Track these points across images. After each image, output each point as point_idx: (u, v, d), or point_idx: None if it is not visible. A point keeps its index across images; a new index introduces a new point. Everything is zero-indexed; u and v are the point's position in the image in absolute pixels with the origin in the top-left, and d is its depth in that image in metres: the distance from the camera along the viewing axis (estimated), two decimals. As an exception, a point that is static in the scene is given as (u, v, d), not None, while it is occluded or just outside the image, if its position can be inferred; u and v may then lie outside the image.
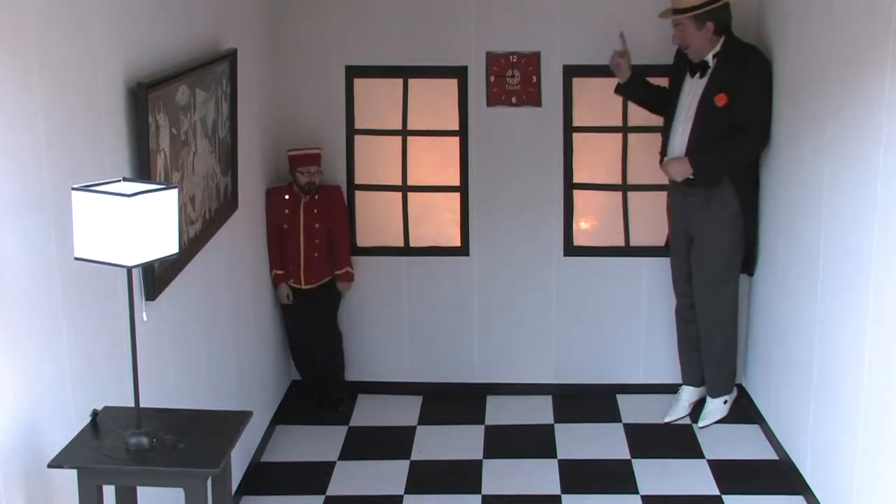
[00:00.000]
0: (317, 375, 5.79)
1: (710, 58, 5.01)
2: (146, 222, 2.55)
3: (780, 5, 4.99)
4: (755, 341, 5.51)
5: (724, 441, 5.28)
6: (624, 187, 5.58)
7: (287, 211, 5.45)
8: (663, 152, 5.26)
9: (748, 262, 5.34)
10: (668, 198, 5.42)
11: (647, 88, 5.29)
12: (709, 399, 5.46)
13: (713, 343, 5.34)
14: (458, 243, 5.76)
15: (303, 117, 5.62)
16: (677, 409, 5.49)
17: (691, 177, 5.06)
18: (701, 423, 5.38)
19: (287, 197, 5.46)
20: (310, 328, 5.67)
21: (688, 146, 5.07)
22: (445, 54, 5.53)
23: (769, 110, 5.02)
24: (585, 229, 5.71)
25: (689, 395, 5.52)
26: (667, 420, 5.45)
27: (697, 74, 5.05)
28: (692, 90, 5.08)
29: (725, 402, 5.44)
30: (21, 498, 2.65)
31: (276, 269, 5.54)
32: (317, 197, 5.48)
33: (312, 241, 5.51)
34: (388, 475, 5.03)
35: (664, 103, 5.26)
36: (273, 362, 5.55)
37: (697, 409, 5.52)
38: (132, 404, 2.76)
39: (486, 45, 5.52)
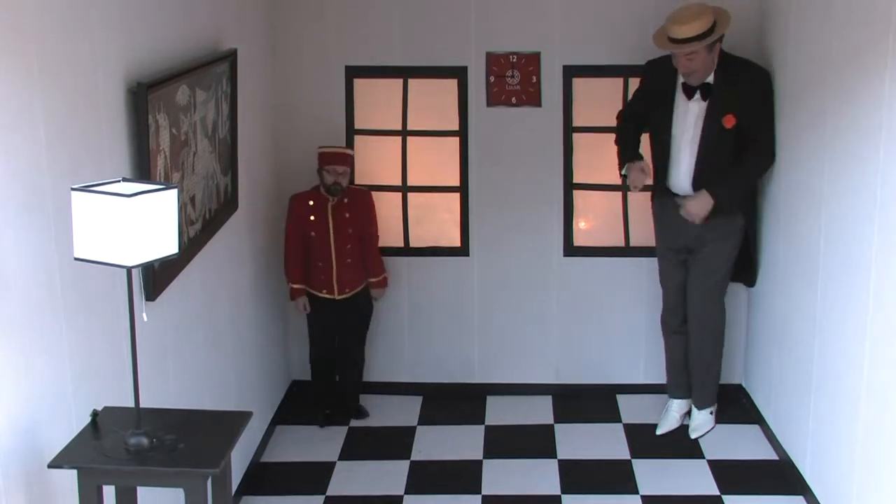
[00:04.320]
0: (333, 386, 5.61)
1: (711, 77, 4.89)
2: (146, 222, 2.55)
3: (780, 5, 4.99)
4: (755, 341, 5.51)
5: (724, 441, 5.28)
6: (624, 187, 5.57)
7: (313, 217, 5.26)
8: (660, 179, 5.14)
9: (748, 273, 5.30)
10: (657, 209, 5.29)
11: (636, 140, 5.24)
12: (696, 411, 5.37)
13: (705, 353, 5.27)
14: (458, 243, 5.76)
15: (303, 117, 5.62)
16: (669, 422, 5.41)
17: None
18: (694, 435, 5.30)
19: (312, 203, 5.27)
20: (340, 340, 5.50)
21: (695, 172, 4.96)
22: (445, 54, 5.53)
23: (774, 122, 4.99)
24: (585, 229, 5.71)
25: (678, 407, 5.44)
26: (659, 433, 5.36)
27: (697, 96, 4.91)
28: (691, 113, 4.95)
29: (711, 412, 5.38)
30: (21, 498, 2.65)
31: (293, 283, 5.32)
32: (346, 200, 5.28)
33: (344, 248, 5.30)
34: (388, 475, 5.03)
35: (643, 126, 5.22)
36: (273, 362, 5.55)
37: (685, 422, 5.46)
38: (132, 404, 2.76)
39: (486, 45, 5.52)
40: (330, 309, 5.39)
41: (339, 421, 5.56)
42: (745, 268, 5.28)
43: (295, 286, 5.34)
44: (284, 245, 5.35)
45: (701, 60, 4.81)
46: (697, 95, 4.91)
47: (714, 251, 5.11)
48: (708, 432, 5.30)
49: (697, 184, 4.97)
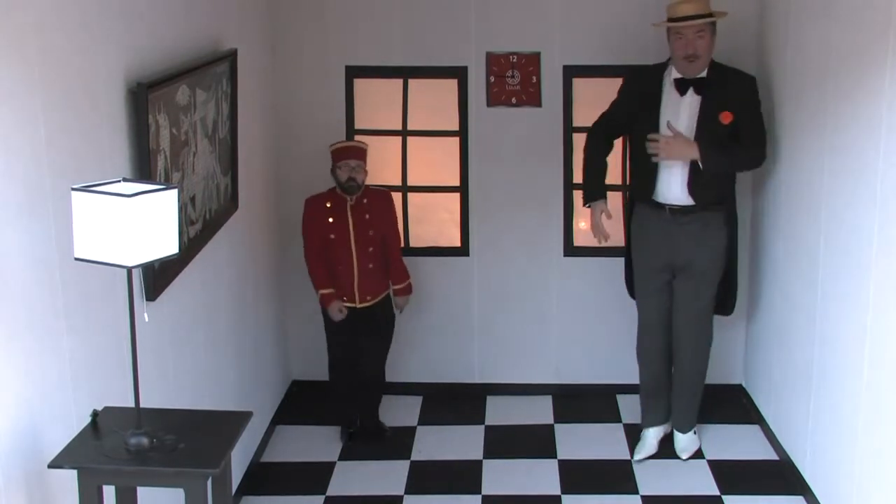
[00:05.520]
0: (353, 394, 5.36)
1: (704, 72, 4.79)
2: (146, 222, 2.55)
3: (780, 6, 4.99)
4: (755, 341, 5.51)
5: (724, 441, 5.27)
6: (624, 187, 5.56)
7: (331, 220, 5.04)
8: (644, 191, 4.90)
9: (726, 301, 5.10)
10: (637, 225, 5.03)
11: (603, 163, 5.06)
12: (681, 435, 5.14)
13: (696, 377, 5.07)
14: (458, 243, 5.76)
15: (303, 117, 5.62)
16: (647, 448, 5.13)
17: (696, 163, 4.71)
18: (684, 456, 5.09)
19: (329, 204, 5.06)
20: (362, 352, 5.26)
21: (691, 174, 4.75)
22: (445, 54, 5.54)
23: (763, 126, 4.89)
24: (585, 229, 5.70)
25: (655, 433, 5.17)
26: (636, 459, 5.08)
27: (691, 91, 4.77)
28: (684, 111, 4.79)
29: (695, 432, 5.19)
30: (21, 498, 2.66)
31: (322, 289, 5.05)
32: (365, 201, 5.08)
33: (366, 251, 5.06)
34: (388, 475, 5.03)
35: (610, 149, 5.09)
36: (273, 362, 5.55)
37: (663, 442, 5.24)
38: (132, 404, 2.76)
39: (486, 45, 5.52)
40: (350, 317, 5.12)
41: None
42: (723, 294, 5.06)
43: (325, 291, 5.07)
44: (305, 251, 5.12)
45: (707, 43, 4.73)
46: (691, 91, 4.79)
47: (703, 267, 4.90)
48: (697, 450, 5.13)
49: (694, 189, 4.79)
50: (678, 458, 5.10)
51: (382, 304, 5.23)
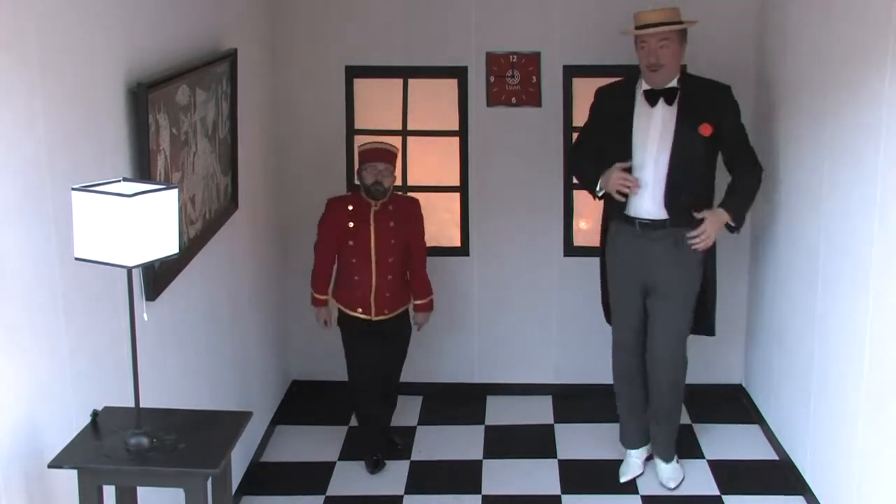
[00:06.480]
0: (380, 418, 5.12)
1: (675, 83, 4.62)
2: (146, 222, 2.55)
3: (780, 5, 4.99)
4: (755, 341, 5.51)
5: (724, 441, 5.28)
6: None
7: (352, 224, 4.80)
8: (617, 206, 4.70)
9: (706, 321, 4.90)
10: (611, 241, 4.84)
11: (600, 165, 4.75)
12: (664, 464, 4.95)
13: (675, 402, 4.89)
14: (458, 243, 5.76)
15: (303, 117, 5.63)
16: (632, 469, 4.98)
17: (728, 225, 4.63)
18: (672, 485, 4.87)
19: (352, 207, 4.81)
20: (381, 366, 5.03)
21: (667, 188, 4.57)
22: (445, 54, 5.54)
23: (747, 134, 4.78)
24: (585, 229, 5.71)
25: (638, 454, 5.03)
26: (623, 480, 4.92)
27: (662, 101, 4.59)
28: (655, 122, 4.59)
29: (677, 461, 5.03)
30: (21, 498, 2.65)
31: (318, 293, 4.91)
32: (391, 208, 4.84)
33: (385, 261, 4.82)
34: (388, 475, 5.03)
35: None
36: (273, 362, 5.55)
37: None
38: (132, 404, 2.76)
39: (486, 45, 5.52)
40: (365, 330, 4.91)
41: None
42: (701, 313, 4.89)
43: (319, 296, 4.93)
44: (315, 249, 4.94)
45: (672, 53, 4.55)
46: (662, 102, 4.61)
47: (676, 286, 4.71)
48: (683, 479, 4.95)
49: (669, 202, 4.59)
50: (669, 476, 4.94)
51: (398, 318, 5.01)
